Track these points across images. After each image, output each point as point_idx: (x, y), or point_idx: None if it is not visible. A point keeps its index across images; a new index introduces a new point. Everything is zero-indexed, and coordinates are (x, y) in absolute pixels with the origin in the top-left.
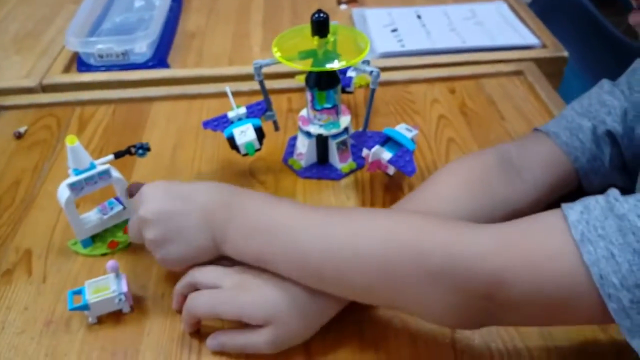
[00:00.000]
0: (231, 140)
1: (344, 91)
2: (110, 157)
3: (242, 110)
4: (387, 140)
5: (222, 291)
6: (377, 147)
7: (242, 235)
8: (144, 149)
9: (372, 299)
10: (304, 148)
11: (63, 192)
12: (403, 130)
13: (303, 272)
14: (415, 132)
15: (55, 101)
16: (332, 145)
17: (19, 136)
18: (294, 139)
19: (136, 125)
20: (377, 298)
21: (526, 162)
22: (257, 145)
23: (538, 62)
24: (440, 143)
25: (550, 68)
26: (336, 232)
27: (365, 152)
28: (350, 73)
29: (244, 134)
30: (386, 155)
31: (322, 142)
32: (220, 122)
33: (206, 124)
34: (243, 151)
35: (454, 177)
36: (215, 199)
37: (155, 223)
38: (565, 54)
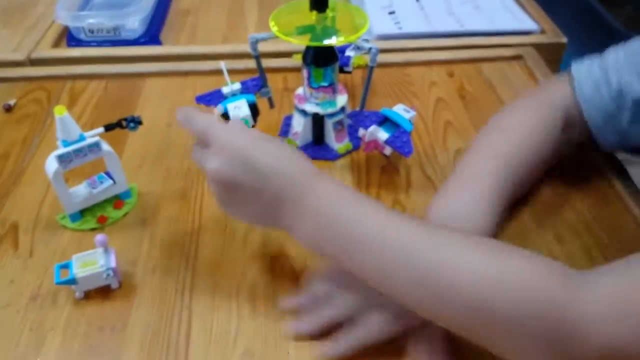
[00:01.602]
0: (225, 116)
1: (342, 71)
2: (101, 129)
3: (237, 86)
4: (384, 121)
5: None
6: (374, 127)
7: (312, 235)
8: (136, 122)
9: (460, 332)
10: (300, 127)
11: (51, 164)
12: (401, 111)
13: (384, 289)
14: (412, 113)
15: (45, 74)
16: (329, 124)
17: (8, 109)
18: (290, 118)
19: (128, 100)
20: (465, 334)
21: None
22: (251, 122)
23: (537, 47)
24: (437, 125)
25: (548, 54)
26: (424, 258)
27: (361, 131)
28: (348, 52)
29: (238, 109)
30: (383, 135)
31: (318, 122)
32: (214, 97)
33: (199, 99)
34: None
35: (524, 118)
36: (287, 190)
37: (223, 187)
38: (564, 39)
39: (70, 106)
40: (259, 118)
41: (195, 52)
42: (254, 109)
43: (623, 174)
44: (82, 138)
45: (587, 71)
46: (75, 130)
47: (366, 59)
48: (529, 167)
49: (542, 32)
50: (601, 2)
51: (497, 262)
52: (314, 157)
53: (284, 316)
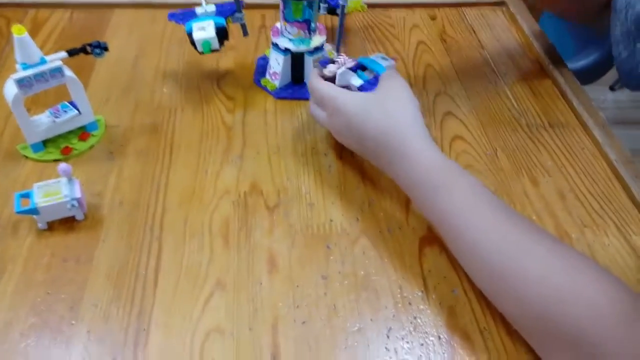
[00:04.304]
0: (190, 36)
1: (333, 12)
2: (63, 53)
3: (211, 7)
4: (358, 68)
5: None
6: (344, 70)
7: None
8: (102, 47)
9: (508, 317)
10: (279, 67)
11: (10, 89)
12: (379, 60)
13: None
14: (391, 62)
15: (5, 1)
16: (309, 62)
17: None
18: (263, 59)
19: (95, 32)
20: (512, 321)
21: None
22: (215, 45)
23: None
24: (418, 68)
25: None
26: (496, 249)
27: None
28: None
29: (204, 30)
30: (357, 81)
31: (297, 60)
32: (186, 16)
33: (172, 15)
34: (199, 49)
35: None
36: (387, 152)
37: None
38: None
39: (32, 36)
40: (233, 56)
41: None
42: (221, 33)
43: None
44: (43, 61)
45: None
46: (36, 52)
47: (364, 4)
48: None
49: None
50: None
51: (571, 274)
52: (293, 97)
53: (257, 248)
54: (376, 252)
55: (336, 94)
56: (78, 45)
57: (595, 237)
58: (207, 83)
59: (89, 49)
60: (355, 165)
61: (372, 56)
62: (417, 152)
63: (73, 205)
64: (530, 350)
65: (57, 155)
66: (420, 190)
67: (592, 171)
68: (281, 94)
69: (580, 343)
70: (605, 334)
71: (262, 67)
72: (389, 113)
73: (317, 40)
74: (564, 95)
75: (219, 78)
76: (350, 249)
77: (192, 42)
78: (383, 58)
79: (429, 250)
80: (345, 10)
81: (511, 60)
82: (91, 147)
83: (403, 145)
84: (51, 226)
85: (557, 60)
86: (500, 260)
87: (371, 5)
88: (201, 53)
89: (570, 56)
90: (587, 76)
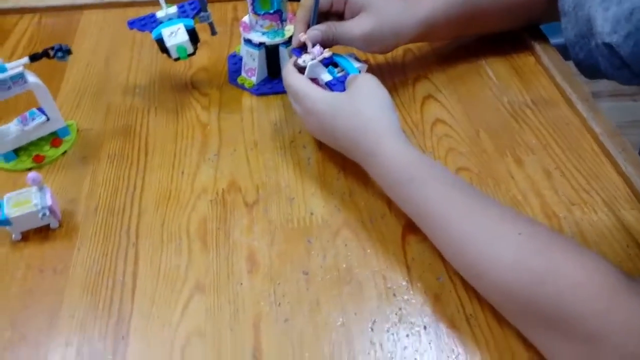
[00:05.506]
0: (160, 42)
1: None
2: (25, 59)
3: (173, 9)
4: (330, 63)
5: None
6: (316, 62)
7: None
8: (64, 51)
9: (487, 298)
10: (254, 63)
11: None
12: (352, 59)
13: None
14: (363, 65)
15: None
16: (284, 54)
17: None
18: (234, 56)
19: (64, 35)
20: (492, 301)
21: None
22: (190, 49)
23: None
24: (396, 53)
25: None
26: (459, 227)
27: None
28: None
29: (175, 35)
30: (326, 76)
31: (272, 53)
32: (148, 22)
33: (132, 24)
34: (174, 55)
35: None
36: (359, 149)
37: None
38: None
39: (0, 43)
40: (206, 51)
41: None
42: (192, 35)
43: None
44: (2, 69)
45: None
46: None
47: None
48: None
49: None
50: None
51: (546, 255)
52: (273, 92)
53: (237, 247)
54: (358, 243)
55: (308, 92)
56: None
57: (584, 214)
58: (181, 81)
59: (51, 52)
60: (335, 155)
61: (345, 54)
62: (388, 147)
63: (45, 214)
64: (517, 334)
65: (29, 164)
66: (394, 185)
67: (578, 147)
68: (261, 90)
69: (563, 320)
70: (587, 309)
71: (234, 65)
72: (359, 110)
73: (290, 29)
74: (546, 70)
75: (193, 75)
76: (331, 241)
77: (163, 49)
78: (355, 58)
79: (412, 238)
80: None
81: (491, 37)
82: (64, 153)
83: (374, 142)
84: (26, 236)
85: (539, 35)
86: (475, 246)
87: None
88: (176, 59)
89: (554, 31)
90: None
